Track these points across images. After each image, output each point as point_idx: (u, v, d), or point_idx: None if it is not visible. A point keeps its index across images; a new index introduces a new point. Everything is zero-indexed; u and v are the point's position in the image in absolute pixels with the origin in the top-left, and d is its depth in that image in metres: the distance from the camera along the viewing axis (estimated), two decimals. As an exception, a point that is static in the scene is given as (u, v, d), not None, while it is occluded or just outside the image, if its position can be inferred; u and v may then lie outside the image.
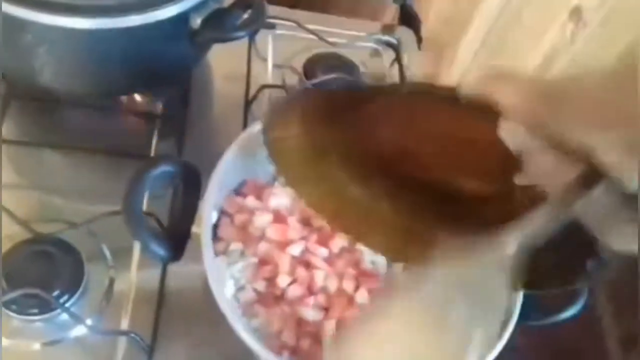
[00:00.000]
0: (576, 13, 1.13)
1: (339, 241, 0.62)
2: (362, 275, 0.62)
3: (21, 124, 0.75)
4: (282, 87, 0.85)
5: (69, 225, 0.66)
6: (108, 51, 0.65)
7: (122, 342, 0.63)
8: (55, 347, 0.62)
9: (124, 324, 0.64)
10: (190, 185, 0.57)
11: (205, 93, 0.85)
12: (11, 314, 0.60)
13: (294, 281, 0.59)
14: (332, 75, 0.85)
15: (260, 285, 0.59)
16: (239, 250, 0.61)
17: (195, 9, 0.66)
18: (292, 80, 0.88)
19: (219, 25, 0.68)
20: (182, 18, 0.66)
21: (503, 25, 1.16)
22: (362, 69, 0.91)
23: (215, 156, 0.61)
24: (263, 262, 0.60)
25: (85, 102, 0.76)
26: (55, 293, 0.62)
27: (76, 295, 0.63)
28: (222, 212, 0.64)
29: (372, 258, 0.64)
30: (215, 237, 0.62)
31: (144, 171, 0.54)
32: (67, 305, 0.62)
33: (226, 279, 0.58)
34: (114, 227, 0.62)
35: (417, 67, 1.04)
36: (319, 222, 0.64)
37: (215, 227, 0.62)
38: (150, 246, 0.53)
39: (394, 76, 0.93)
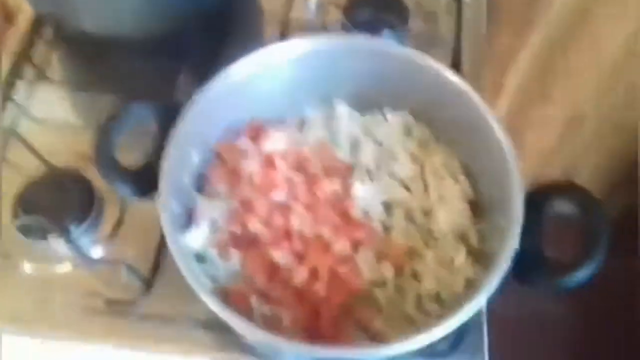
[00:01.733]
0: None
1: (328, 186, 0.59)
2: (348, 224, 0.58)
3: (62, 67, 0.79)
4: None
5: (87, 160, 0.70)
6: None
7: (124, 271, 0.65)
8: (67, 270, 0.66)
9: (128, 254, 0.66)
10: (167, 125, 0.57)
11: (245, 32, 0.83)
12: (27, 239, 0.65)
13: (267, 225, 0.57)
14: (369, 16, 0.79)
15: (236, 228, 0.58)
16: (225, 192, 0.60)
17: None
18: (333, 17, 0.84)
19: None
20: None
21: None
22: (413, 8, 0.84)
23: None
24: (243, 205, 0.59)
25: (125, 47, 0.78)
26: (66, 222, 0.66)
27: (84, 225, 0.67)
28: (217, 154, 0.63)
29: (366, 206, 0.60)
30: (206, 178, 0.62)
31: (114, 116, 0.55)
32: (76, 233, 0.66)
33: (202, 221, 0.58)
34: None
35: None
36: (314, 167, 0.61)
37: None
38: (116, 186, 0.55)
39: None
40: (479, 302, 0.49)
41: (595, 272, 0.50)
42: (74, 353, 0.67)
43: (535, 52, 1.16)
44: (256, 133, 0.64)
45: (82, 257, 0.65)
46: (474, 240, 0.60)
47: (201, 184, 0.62)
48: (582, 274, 0.50)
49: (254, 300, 0.55)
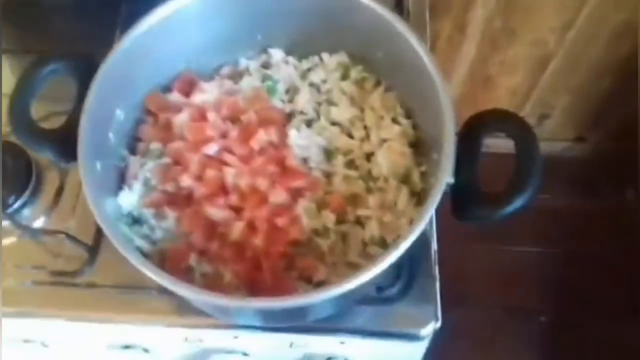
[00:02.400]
0: None
1: (263, 137, 0.57)
2: (285, 173, 0.57)
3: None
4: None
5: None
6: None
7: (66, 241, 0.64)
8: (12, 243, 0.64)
9: (71, 225, 0.65)
10: (85, 80, 0.54)
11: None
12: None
13: (199, 180, 0.55)
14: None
15: (170, 186, 0.56)
16: (158, 150, 0.58)
17: None
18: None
19: None
20: None
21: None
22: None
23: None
24: (175, 162, 0.57)
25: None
26: (3, 196, 0.64)
27: (23, 197, 0.65)
28: (147, 111, 0.61)
29: (305, 155, 0.59)
30: (137, 137, 0.60)
31: (28, 73, 0.52)
32: (15, 205, 0.64)
33: (134, 182, 0.56)
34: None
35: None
36: (248, 117, 0.59)
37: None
38: (35, 149, 0.52)
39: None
40: (412, 237, 0.48)
41: (529, 202, 0.48)
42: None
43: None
44: (188, 86, 0.61)
45: (23, 229, 0.64)
46: (417, 181, 0.58)
47: (134, 144, 0.60)
48: (515, 205, 0.48)
49: (192, 259, 0.54)
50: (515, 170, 0.49)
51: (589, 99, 1.32)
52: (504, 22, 1.17)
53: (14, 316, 0.63)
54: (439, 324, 0.60)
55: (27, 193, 0.65)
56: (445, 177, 0.49)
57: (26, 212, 0.65)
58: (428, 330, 0.60)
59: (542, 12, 1.13)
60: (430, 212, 0.48)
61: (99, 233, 0.64)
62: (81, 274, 0.63)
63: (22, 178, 0.65)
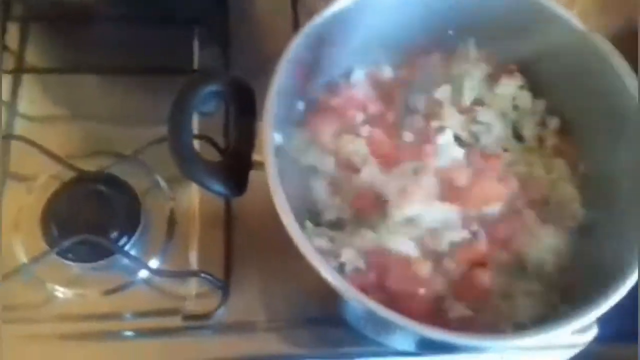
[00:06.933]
0: None
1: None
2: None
3: (46, 48, 0.66)
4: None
5: (117, 158, 0.59)
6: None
7: (193, 280, 0.57)
8: (122, 293, 0.56)
9: (192, 260, 0.58)
10: (243, 105, 0.48)
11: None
12: (68, 262, 0.55)
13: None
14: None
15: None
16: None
17: None
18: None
19: None
20: None
21: None
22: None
23: (266, 62, 0.50)
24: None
25: (111, 15, 0.66)
26: (113, 235, 0.56)
27: (135, 235, 0.57)
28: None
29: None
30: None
31: (185, 98, 0.45)
32: (126, 247, 0.56)
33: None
34: (166, 153, 0.54)
35: None
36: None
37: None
38: (207, 184, 0.46)
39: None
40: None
41: None
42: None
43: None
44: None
45: (158, 273, 0.56)
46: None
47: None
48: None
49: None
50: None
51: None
52: None
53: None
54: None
55: (139, 230, 0.57)
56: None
57: (139, 251, 0.57)
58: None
59: None
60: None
61: (228, 268, 0.57)
62: (215, 314, 0.56)
63: (131, 213, 0.57)
